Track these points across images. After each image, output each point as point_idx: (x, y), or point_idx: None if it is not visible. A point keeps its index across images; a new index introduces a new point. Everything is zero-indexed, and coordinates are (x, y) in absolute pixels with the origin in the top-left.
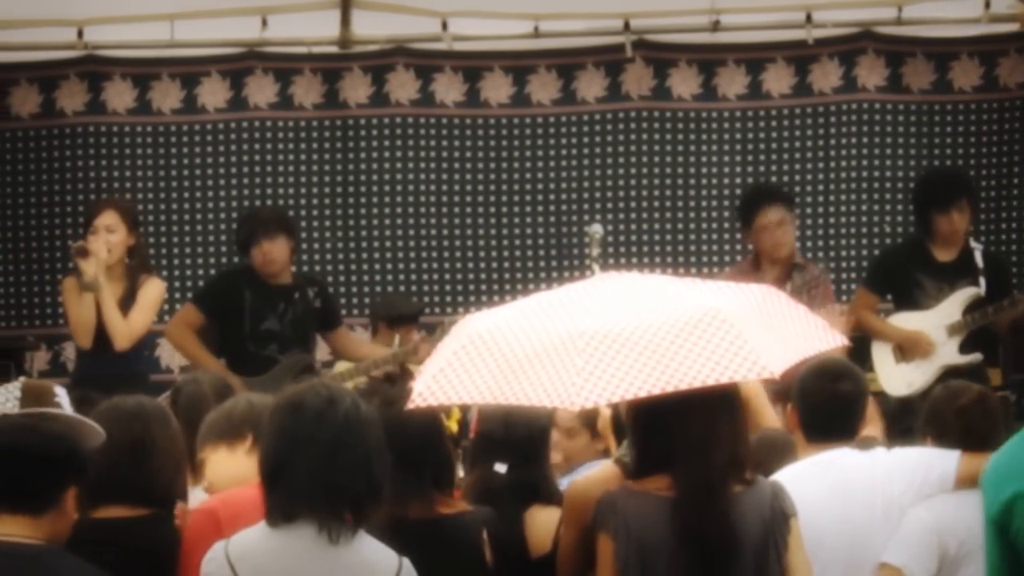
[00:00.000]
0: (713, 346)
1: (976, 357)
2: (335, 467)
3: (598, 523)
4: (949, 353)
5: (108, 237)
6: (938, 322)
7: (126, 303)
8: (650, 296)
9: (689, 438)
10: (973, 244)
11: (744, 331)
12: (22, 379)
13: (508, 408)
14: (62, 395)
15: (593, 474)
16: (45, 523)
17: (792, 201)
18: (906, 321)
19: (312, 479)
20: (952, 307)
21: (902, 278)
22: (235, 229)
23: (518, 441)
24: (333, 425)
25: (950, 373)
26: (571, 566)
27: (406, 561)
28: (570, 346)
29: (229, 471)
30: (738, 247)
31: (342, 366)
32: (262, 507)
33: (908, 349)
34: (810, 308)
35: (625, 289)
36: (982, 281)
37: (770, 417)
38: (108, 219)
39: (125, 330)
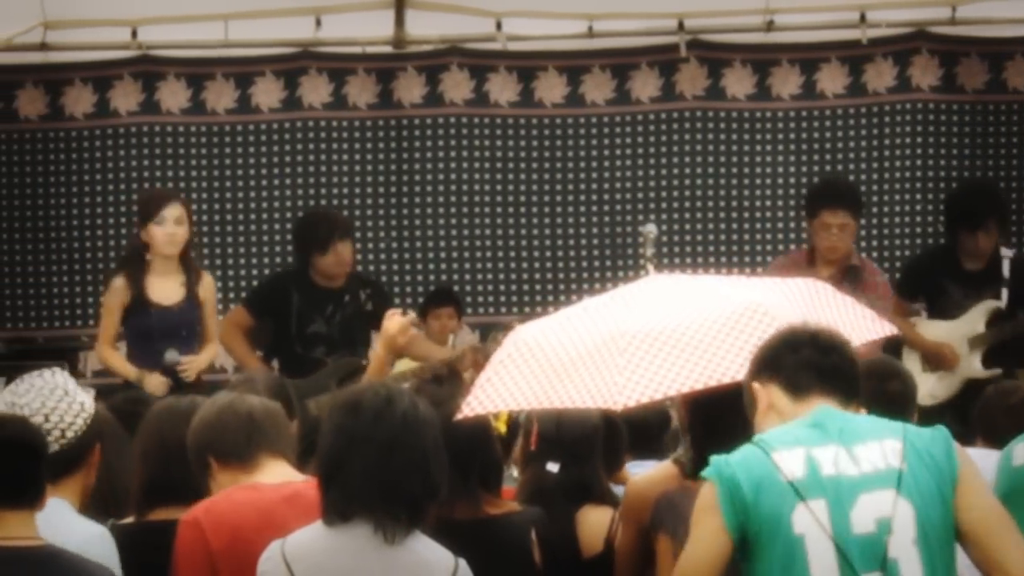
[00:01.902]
0: (755, 339)
1: (996, 372)
2: (392, 467)
3: (656, 523)
4: (972, 366)
5: (176, 230)
6: (962, 333)
7: (181, 295)
8: (692, 295)
9: (746, 438)
10: (1004, 252)
11: (785, 322)
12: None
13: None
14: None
15: (651, 474)
16: (33, 518)
17: (859, 206)
18: (932, 330)
19: (368, 479)
20: (976, 318)
21: (929, 284)
22: (301, 228)
23: (570, 441)
24: (391, 425)
25: (972, 386)
26: (629, 566)
27: (462, 561)
28: (612, 347)
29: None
30: (792, 247)
31: (400, 366)
32: (245, 511)
33: (933, 360)
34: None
35: (668, 289)
36: (1004, 292)
37: None
38: (177, 211)
39: (214, 351)
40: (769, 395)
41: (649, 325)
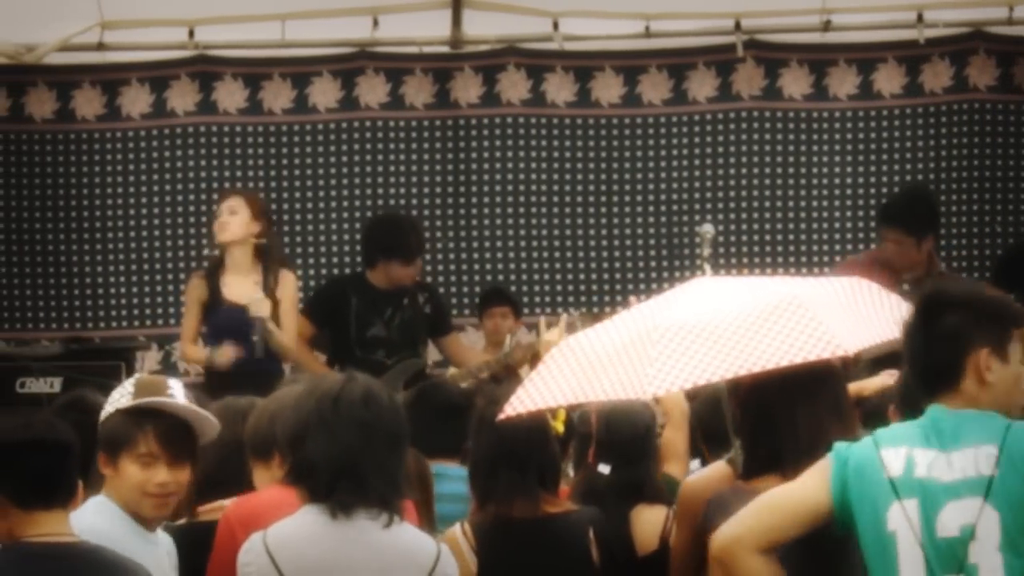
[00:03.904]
0: (788, 329)
1: None
2: (399, 459)
3: (709, 523)
4: None
5: (228, 219)
6: None
7: (259, 291)
8: (729, 292)
9: (798, 438)
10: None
11: (819, 314)
12: (135, 376)
13: (610, 409)
14: (176, 387)
15: (704, 474)
16: (68, 516)
17: (915, 223)
18: None
19: (381, 470)
20: None
21: None
22: (387, 233)
23: (620, 442)
24: (375, 416)
25: None
26: (684, 566)
27: (444, 547)
28: (646, 339)
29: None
30: (849, 247)
31: (454, 369)
32: (273, 511)
33: None
34: None
35: (709, 289)
36: None
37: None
38: (231, 202)
39: (288, 342)
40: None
41: (683, 319)
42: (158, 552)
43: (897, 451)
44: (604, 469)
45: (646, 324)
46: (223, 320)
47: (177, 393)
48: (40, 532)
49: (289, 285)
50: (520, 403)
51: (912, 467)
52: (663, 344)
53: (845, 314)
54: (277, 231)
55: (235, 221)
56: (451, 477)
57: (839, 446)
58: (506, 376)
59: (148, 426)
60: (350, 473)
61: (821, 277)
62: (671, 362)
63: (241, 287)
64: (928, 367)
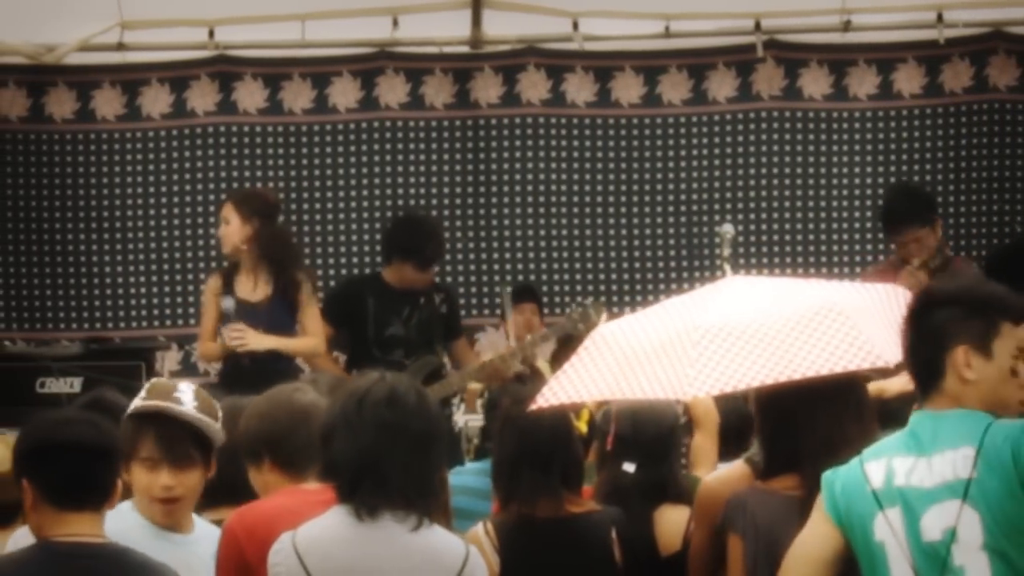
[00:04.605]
0: (828, 337)
1: None
2: (427, 461)
3: (727, 523)
4: None
5: (223, 229)
6: None
7: (267, 292)
8: (768, 294)
9: (817, 438)
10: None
11: (860, 323)
12: (153, 379)
13: (636, 408)
14: (186, 391)
15: (723, 474)
16: (102, 518)
17: (923, 213)
18: None
19: (407, 472)
20: None
21: None
22: (408, 235)
23: (647, 441)
24: (427, 419)
25: None
26: (702, 566)
27: (473, 549)
28: (685, 340)
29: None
30: (868, 247)
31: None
32: (280, 519)
33: None
34: None
35: (746, 289)
36: None
37: (710, 447)
38: (224, 212)
39: (313, 345)
40: None
41: (723, 320)
42: (187, 553)
43: (879, 463)
44: (629, 468)
45: (684, 323)
46: (235, 318)
47: (185, 397)
48: (69, 532)
49: (305, 285)
50: (554, 395)
51: (892, 476)
52: (703, 345)
53: (883, 324)
54: (294, 231)
55: (228, 231)
56: (460, 471)
57: (827, 472)
58: (531, 376)
59: (149, 430)
60: (372, 474)
61: (856, 283)
62: (711, 364)
63: (251, 286)
64: (915, 367)
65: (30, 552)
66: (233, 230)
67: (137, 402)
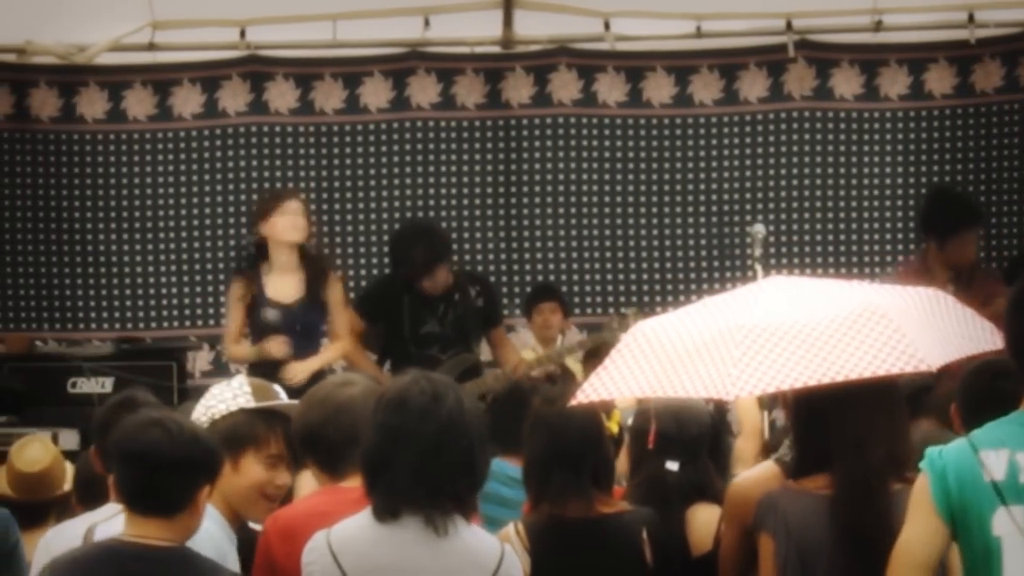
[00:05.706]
0: (872, 340)
1: None
2: (438, 465)
3: (758, 523)
4: None
5: (301, 219)
6: None
7: (300, 293)
8: (811, 294)
9: (847, 437)
10: None
11: (903, 326)
12: (240, 377)
13: (677, 406)
14: (281, 392)
15: (753, 474)
16: (177, 524)
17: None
18: None
19: (415, 477)
20: None
21: None
22: (396, 249)
23: (691, 439)
24: (437, 422)
25: None
26: (733, 566)
27: (508, 548)
28: (728, 339)
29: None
30: (899, 247)
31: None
32: (311, 521)
33: None
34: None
35: (788, 289)
36: None
37: (752, 449)
38: (298, 203)
39: (344, 349)
40: None
41: (766, 320)
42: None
43: (998, 453)
44: (672, 466)
45: (727, 322)
46: (270, 319)
47: (285, 398)
48: (138, 533)
49: (337, 288)
50: (594, 391)
51: (1017, 472)
52: (747, 345)
53: (927, 327)
54: (325, 231)
55: (303, 223)
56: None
57: (931, 456)
58: (562, 376)
59: (279, 427)
60: (383, 476)
61: (898, 286)
62: (755, 364)
63: (284, 287)
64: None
65: (94, 549)
66: (307, 223)
67: (247, 398)
